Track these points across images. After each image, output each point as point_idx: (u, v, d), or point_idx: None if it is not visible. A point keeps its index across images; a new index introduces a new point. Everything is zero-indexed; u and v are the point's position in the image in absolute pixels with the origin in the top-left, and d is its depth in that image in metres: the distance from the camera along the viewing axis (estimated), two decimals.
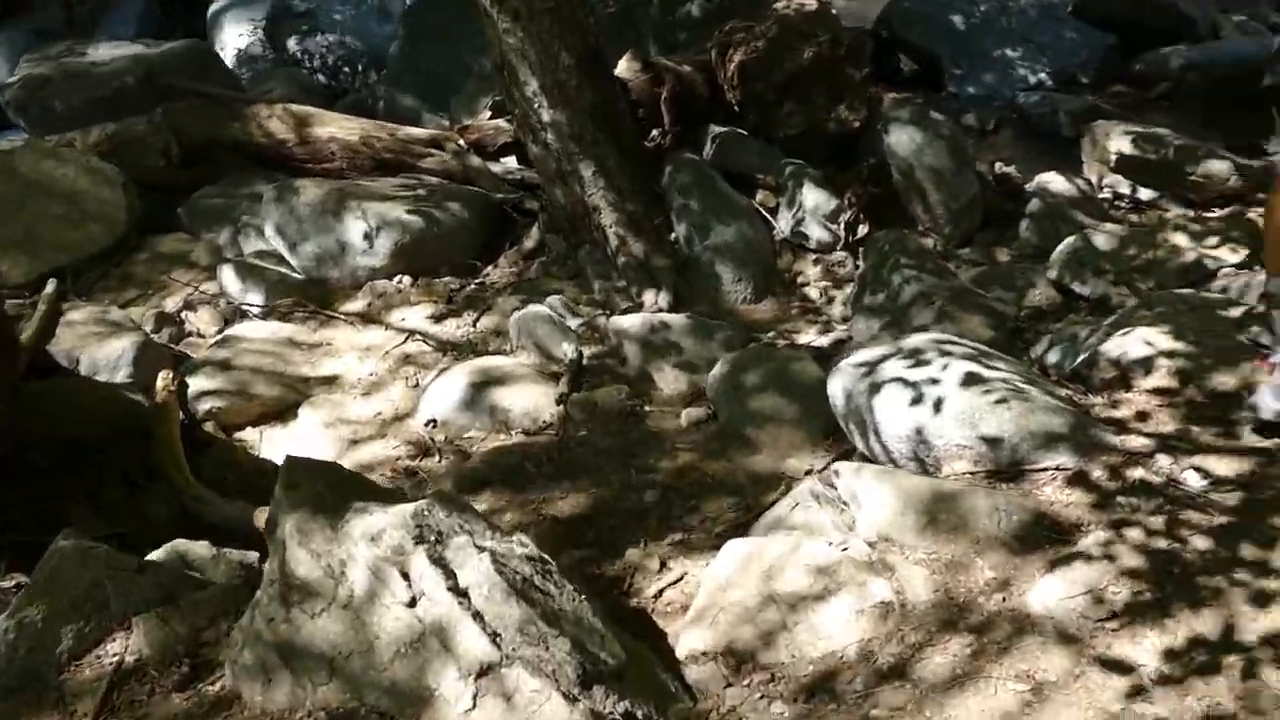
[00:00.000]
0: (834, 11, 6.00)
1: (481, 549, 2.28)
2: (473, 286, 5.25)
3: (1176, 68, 7.30)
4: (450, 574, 2.19)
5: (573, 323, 4.62)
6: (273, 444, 4.27)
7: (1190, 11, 7.89)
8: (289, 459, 2.53)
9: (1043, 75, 7.68)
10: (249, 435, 4.37)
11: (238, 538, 3.11)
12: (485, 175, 5.91)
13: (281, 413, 4.46)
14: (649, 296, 4.77)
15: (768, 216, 5.25)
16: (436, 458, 3.98)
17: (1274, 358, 3.09)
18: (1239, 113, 7.08)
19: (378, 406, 4.39)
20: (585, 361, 4.37)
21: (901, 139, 5.15)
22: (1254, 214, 4.93)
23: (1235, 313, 3.56)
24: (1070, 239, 4.62)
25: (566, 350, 4.37)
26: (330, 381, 4.62)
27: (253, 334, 4.90)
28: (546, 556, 2.47)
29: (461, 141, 6.10)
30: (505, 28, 4.69)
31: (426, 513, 2.36)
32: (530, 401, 4.14)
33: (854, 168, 5.29)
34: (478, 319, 4.95)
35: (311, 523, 2.29)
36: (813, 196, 5.09)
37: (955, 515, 2.68)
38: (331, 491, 2.43)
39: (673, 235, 5.11)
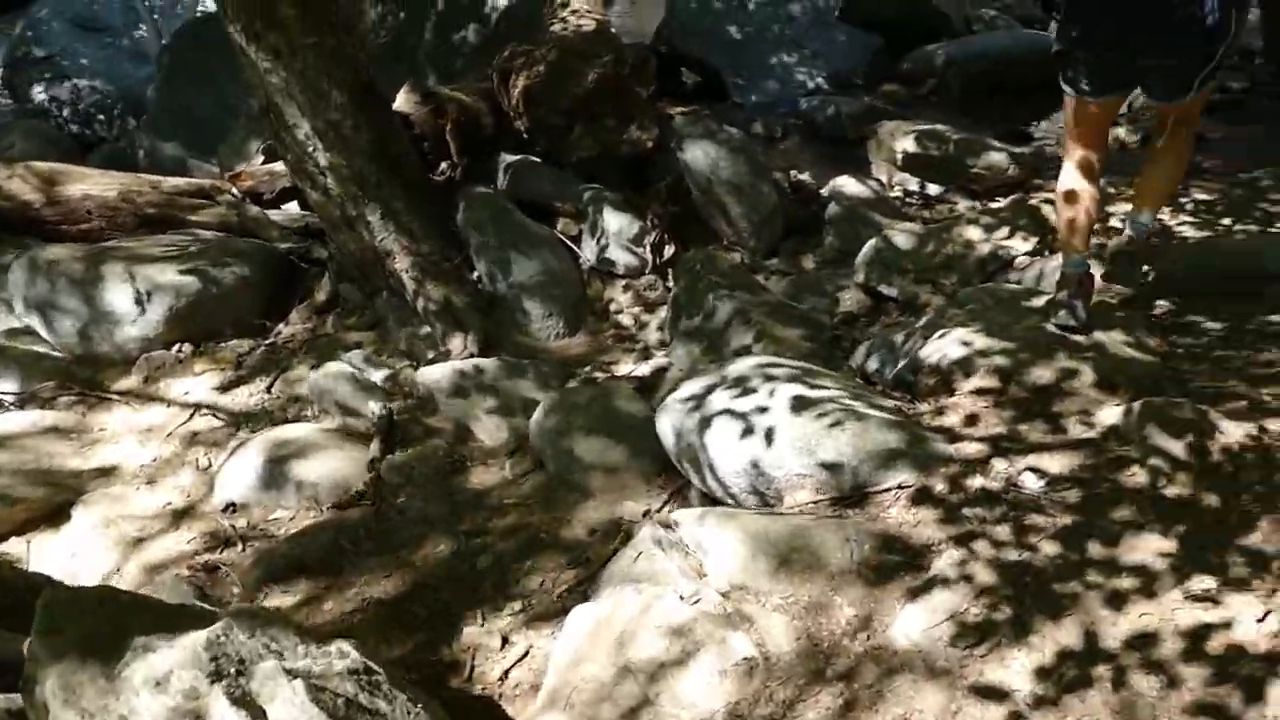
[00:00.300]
0: (613, 30, 5.89)
1: (293, 674, 1.97)
2: (263, 348, 4.82)
3: (940, 64, 7.61)
4: (259, 713, 1.87)
5: (377, 378, 4.29)
6: (43, 554, 3.75)
7: (947, 9, 8.26)
8: (45, 595, 2.12)
9: (820, 79, 7.85)
10: (13, 547, 3.83)
11: (4, 676, 2.66)
12: (266, 225, 5.47)
13: (51, 516, 3.92)
14: (456, 342, 4.49)
15: (571, 245, 5.07)
16: (239, 547, 3.58)
17: (1128, 230, 3.39)
18: (996, 102, 7.47)
19: (165, 496, 3.94)
20: (395, 419, 4.06)
21: (696, 155, 5.08)
22: (1035, 199, 5.13)
23: (1038, 302, 3.63)
24: (872, 242, 4.65)
25: (374, 409, 4.05)
26: (107, 473, 4.12)
27: (8, 427, 4.32)
28: (373, 665, 2.18)
29: (235, 190, 5.64)
30: (266, 67, 4.30)
31: (223, 639, 2.03)
32: (339, 470, 3.80)
33: (652, 187, 5.18)
34: (272, 384, 4.54)
35: (80, 674, 1.92)
36: (614, 221, 4.94)
37: (807, 553, 2.55)
38: (105, 627, 2.06)
39: (474, 274, 4.85)
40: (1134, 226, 3.58)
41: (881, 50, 8.05)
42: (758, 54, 7.95)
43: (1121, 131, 6.24)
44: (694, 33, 8.01)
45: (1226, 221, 4.63)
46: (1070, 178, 3.38)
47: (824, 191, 5.61)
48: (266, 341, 4.87)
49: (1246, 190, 5.19)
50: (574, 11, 5.73)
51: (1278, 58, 7.23)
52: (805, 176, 5.75)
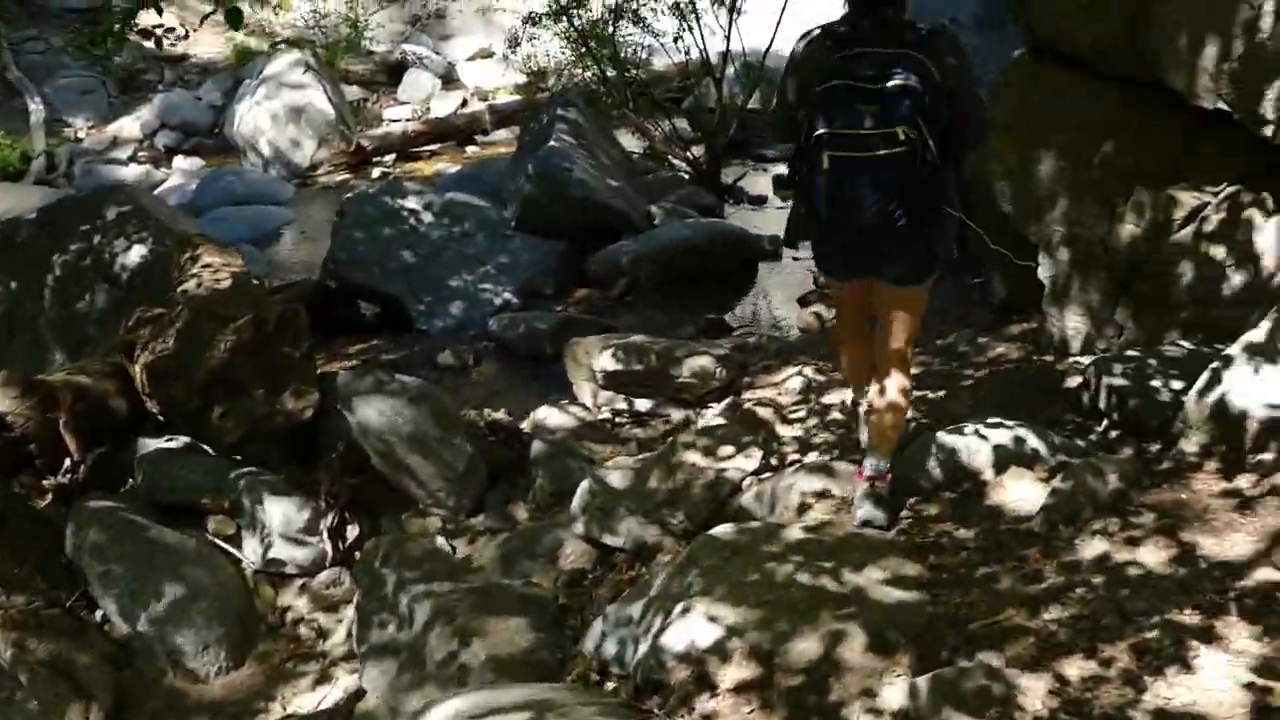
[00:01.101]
0: (256, 280, 5.14)
1: None
2: None
3: (628, 263, 7.39)
4: None
5: None
6: None
7: (623, 206, 8.13)
8: None
9: (508, 294, 7.42)
10: None
11: None
12: None
13: None
14: (74, 713, 3.40)
15: (228, 548, 4.12)
16: None
17: (866, 469, 3.35)
18: (691, 292, 7.32)
19: None
20: None
21: (369, 414, 4.34)
22: (749, 400, 4.76)
23: (775, 546, 3.10)
24: (585, 485, 4.04)
25: None
26: None
27: None
28: None
29: None
30: None
31: None
32: None
33: (322, 460, 4.38)
34: None
35: None
36: (278, 509, 4.07)
37: None
38: None
39: (98, 616, 3.79)
40: (873, 469, 3.38)
41: (567, 255, 7.76)
42: (437, 276, 7.42)
43: None
44: (362, 262, 7.40)
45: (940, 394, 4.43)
46: (850, 370, 3.64)
47: (525, 427, 5.01)
48: None
49: (946, 357, 5.10)
50: (207, 265, 4.94)
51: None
52: (502, 414, 5.15)
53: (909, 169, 2.89)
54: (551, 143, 7.98)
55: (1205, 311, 4.14)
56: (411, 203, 7.90)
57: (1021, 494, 3.32)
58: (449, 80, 15.79)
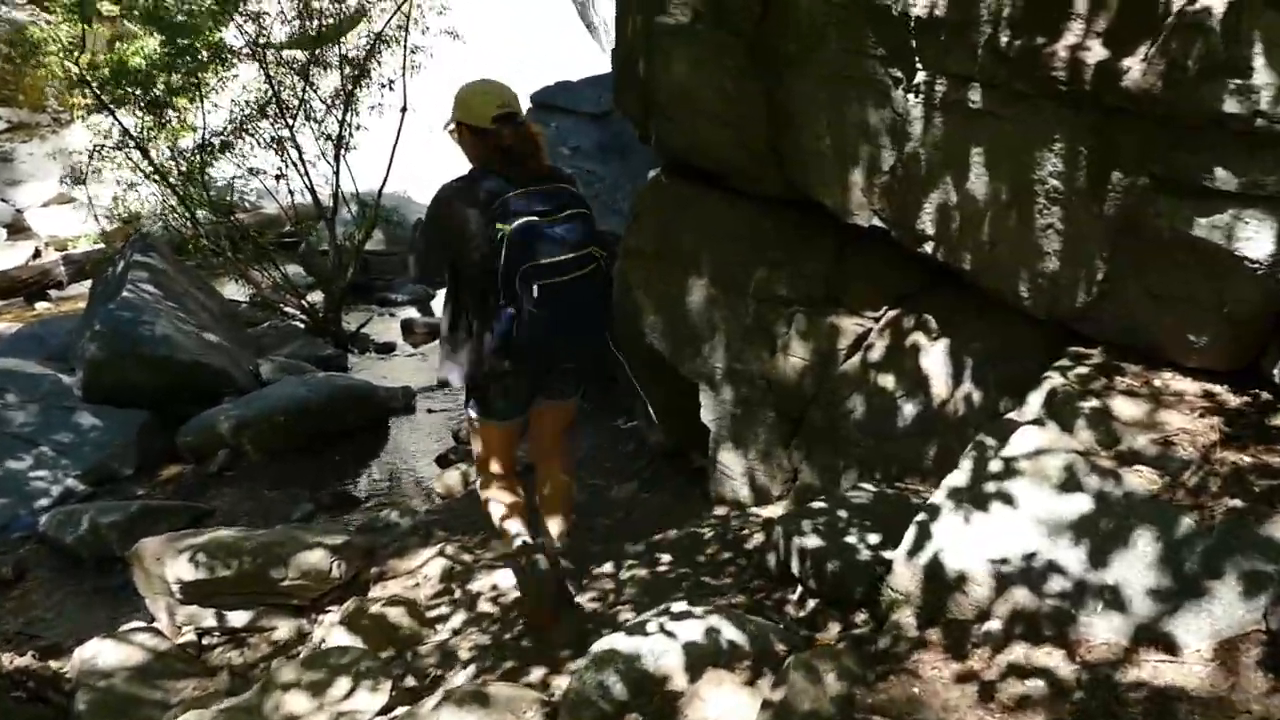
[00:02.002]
0: None
1: None
2: None
3: (229, 431, 6.15)
4: None
5: None
6: None
7: (222, 364, 6.89)
8: None
9: (71, 482, 5.91)
10: None
11: None
12: None
13: None
14: None
15: None
16: None
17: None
18: (308, 462, 6.20)
19: None
20: None
21: None
22: (377, 601, 3.77)
23: None
24: None
25: None
26: None
27: None
28: None
29: None
30: None
31: None
32: None
33: None
34: None
35: None
36: None
37: None
38: None
39: None
40: (553, 547, 3.51)
41: (150, 427, 6.37)
42: None
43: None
44: None
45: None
46: (501, 492, 3.52)
47: (68, 670, 3.67)
48: None
49: (608, 516, 4.42)
50: None
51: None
52: (29, 660, 3.75)
53: (603, 285, 3.29)
54: (125, 294, 6.63)
55: (880, 446, 3.74)
56: None
57: (725, 708, 2.59)
58: (17, 229, 13.73)
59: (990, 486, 2.76)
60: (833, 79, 3.35)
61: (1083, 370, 3.00)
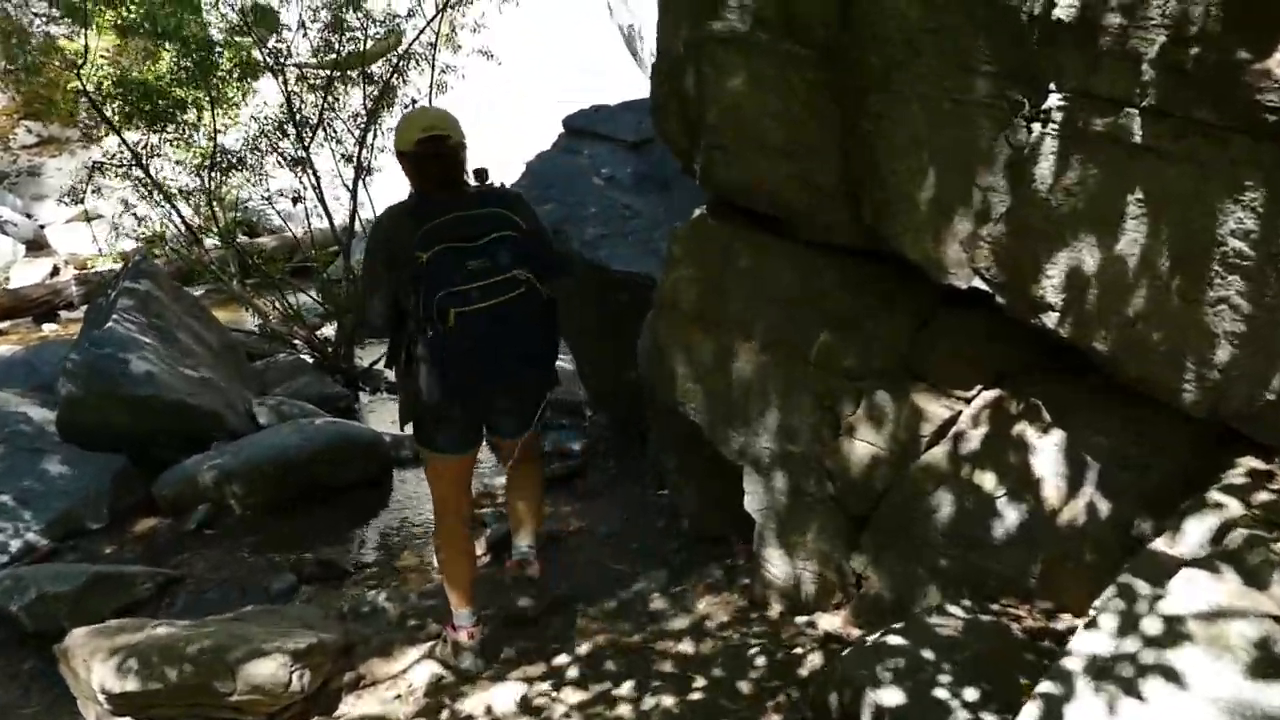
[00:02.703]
0: None
1: None
2: None
3: (211, 483, 5.49)
4: None
5: None
6: None
7: (213, 405, 6.24)
8: None
9: (33, 535, 5.27)
10: None
11: None
12: None
13: None
14: None
15: None
16: None
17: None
18: (297, 520, 5.51)
19: None
20: None
21: None
22: None
23: None
24: None
25: None
26: None
27: None
28: None
29: None
30: None
31: None
32: None
33: None
34: None
35: None
36: None
37: None
38: None
39: None
40: (519, 553, 3.69)
41: (126, 474, 5.72)
42: None
43: None
44: None
45: None
46: (449, 540, 3.51)
47: None
48: None
49: (635, 624, 3.71)
50: None
51: (607, 405, 6.29)
52: None
53: (536, 308, 3.20)
54: (110, 324, 6.01)
55: (969, 557, 3.00)
56: None
57: None
58: (38, 246, 13.35)
59: (1147, 656, 2.02)
60: (930, 102, 2.64)
61: (1266, 496, 2.26)
